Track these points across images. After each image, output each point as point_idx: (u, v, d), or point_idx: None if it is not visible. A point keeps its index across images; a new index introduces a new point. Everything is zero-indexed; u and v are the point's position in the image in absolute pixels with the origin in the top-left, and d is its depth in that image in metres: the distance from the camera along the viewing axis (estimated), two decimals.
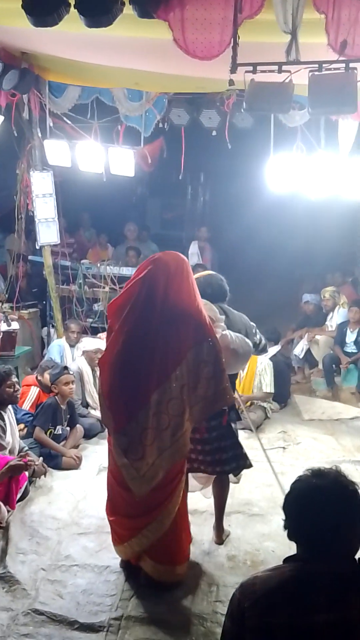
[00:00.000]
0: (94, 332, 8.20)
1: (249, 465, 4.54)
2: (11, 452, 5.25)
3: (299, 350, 8.68)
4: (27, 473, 5.13)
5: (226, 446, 4.38)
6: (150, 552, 4.02)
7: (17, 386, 5.36)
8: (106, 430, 4.40)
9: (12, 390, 5.26)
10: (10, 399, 5.30)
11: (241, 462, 4.48)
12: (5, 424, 5.25)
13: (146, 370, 3.79)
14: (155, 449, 3.77)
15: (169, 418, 3.77)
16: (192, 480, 4.57)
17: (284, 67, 4.20)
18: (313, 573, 2.03)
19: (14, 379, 5.31)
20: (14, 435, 5.38)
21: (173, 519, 3.96)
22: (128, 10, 3.86)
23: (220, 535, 4.65)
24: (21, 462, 4.79)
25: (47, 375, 6.28)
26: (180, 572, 4.11)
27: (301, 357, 8.71)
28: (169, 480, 3.89)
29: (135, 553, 4.09)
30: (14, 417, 5.51)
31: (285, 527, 2.14)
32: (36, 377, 6.58)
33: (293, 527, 2.13)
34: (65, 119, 7.56)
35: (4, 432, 5.19)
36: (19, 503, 5.02)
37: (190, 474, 4.41)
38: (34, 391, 6.42)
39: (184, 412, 3.80)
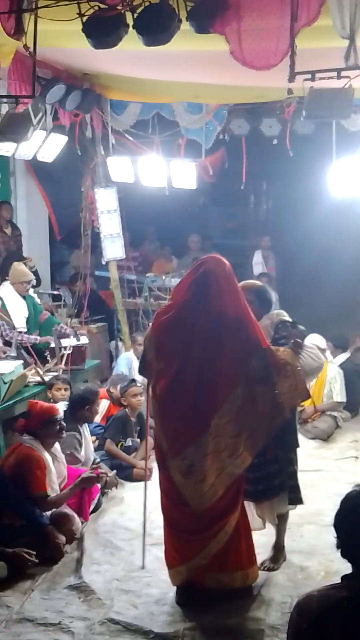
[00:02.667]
0: None
1: (299, 501, 4.36)
2: (85, 464, 5.37)
3: None
4: (99, 485, 5.22)
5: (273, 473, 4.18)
6: (212, 564, 3.85)
7: (98, 408, 5.51)
8: (152, 449, 4.28)
9: (97, 410, 5.45)
10: (92, 417, 5.47)
11: (291, 495, 4.28)
12: (82, 439, 5.36)
13: (205, 393, 3.66)
14: (214, 470, 3.67)
15: (226, 440, 3.66)
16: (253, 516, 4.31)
17: (343, 73, 4.17)
18: None
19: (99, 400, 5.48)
20: (88, 449, 5.51)
21: (237, 533, 3.84)
22: (185, 26, 3.92)
23: (276, 560, 4.40)
24: (93, 474, 4.89)
25: (117, 388, 6.38)
26: (246, 577, 3.96)
27: None
28: (228, 497, 3.79)
29: (193, 573, 3.89)
30: (89, 433, 5.63)
31: (338, 546, 2.11)
32: (107, 390, 6.68)
33: (345, 545, 2.09)
34: (127, 135, 7.70)
35: (80, 446, 5.30)
36: (92, 514, 5.10)
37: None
38: (104, 404, 6.52)
39: (240, 433, 3.68)
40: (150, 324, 4.06)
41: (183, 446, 3.66)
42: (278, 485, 4.20)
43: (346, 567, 2.23)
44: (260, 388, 3.71)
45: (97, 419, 6.43)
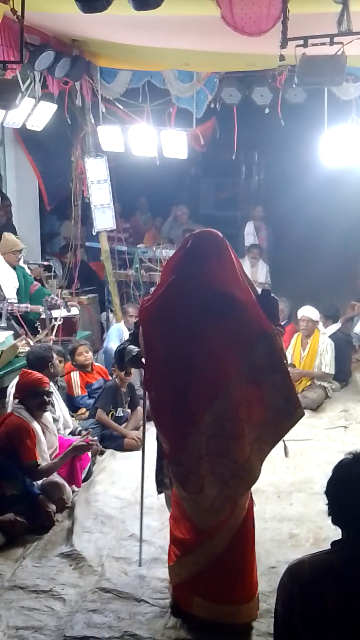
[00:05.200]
0: None
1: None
2: (65, 426, 5.47)
3: (359, 328, 8.53)
4: (90, 454, 5.27)
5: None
6: (204, 588, 3.43)
7: (56, 367, 5.46)
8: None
9: (52, 371, 5.36)
10: (50, 377, 5.31)
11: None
12: (53, 399, 5.34)
13: (197, 385, 3.21)
14: (216, 479, 3.21)
15: (227, 442, 3.20)
16: None
17: (336, 39, 4.12)
18: (357, 558, 2.04)
19: (54, 360, 5.41)
20: (62, 408, 5.57)
21: (240, 544, 3.42)
22: None
23: None
24: (84, 443, 4.91)
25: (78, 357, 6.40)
26: (245, 613, 3.49)
27: None
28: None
29: (191, 576, 3.47)
30: (60, 399, 5.65)
31: (329, 513, 2.13)
32: (71, 363, 6.60)
33: (336, 512, 2.12)
34: (117, 104, 7.59)
35: (53, 406, 5.29)
36: (84, 484, 5.15)
37: None
38: (75, 375, 6.49)
39: (242, 436, 3.21)
40: (139, 326, 3.61)
41: (179, 447, 3.26)
42: None
43: (335, 534, 2.26)
44: (269, 377, 3.26)
45: (78, 391, 6.43)
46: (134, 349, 3.75)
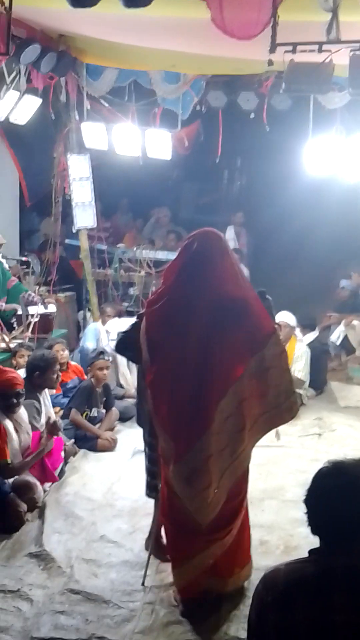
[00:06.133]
0: (130, 316, 8.22)
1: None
2: None
3: (336, 337, 8.58)
4: (62, 454, 5.21)
5: None
6: (218, 569, 3.59)
7: (59, 373, 5.43)
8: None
9: (54, 376, 5.35)
10: (51, 384, 5.40)
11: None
12: (40, 407, 5.31)
13: (206, 386, 3.25)
14: (217, 472, 3.30)
15: (228, 436, 3.29)
16: None
17: (325, 47, 4.13)
18: (335, 568, 2.02)
19: (57, 367, 5.39)
20: (49, 416, 5.43)
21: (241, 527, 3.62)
22: None
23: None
24: (54, 423, 4.89)
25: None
26: (238, 579, 3.72)
27: (338, 343, 8.60)
28: (236, 494, 3.53)
29: (198, 572, 3.56)
30: (50, 400, 5.58)
31: (308, 523, 2.11)
32: None
33: (314, 522, 2.10)
34: (102, 101, 7.55)
35: (39, 414, 5.24)
36: (55, 484, 5.08)
37: None
38: None
39: (243, 428, 3.31)
40: (142, 317, 3.57)
41: (186, 447, 3.27)
42: None
43: (305, 542, 2.25)
44: (274, 375, 3.36)
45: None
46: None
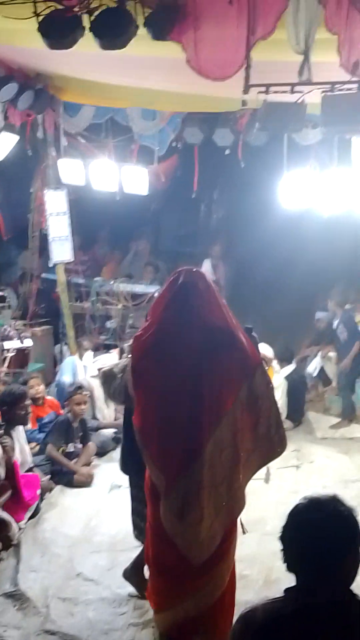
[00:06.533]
0: (107, 349, 8.21)
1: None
2: (22, 467, 5.26)
3: (312, 368, 8.63)
4: (38, 492, 5.16)
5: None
6: (198, 626, 3.42)
7: (29, 409, 5.37)
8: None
9: (23, 412, 5.27)
10: (20, 420, 5.30)
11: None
12: (13, 443, 5.24)
13: (197, 416, 3.23)
14: (212, 508, 3.25)
15: (224, 471, 3.25)
16: None
17: (296, 88, 4.24)
18: (311, 606, 1.99)
19: (27, 402, 5.33)
20: (23, 453, 5.39)
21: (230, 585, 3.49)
22: (142, 31, 3.90)
23: None
24: None
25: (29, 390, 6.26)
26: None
27: (315, 375, 8.65)
28: (225, 538, 3.41)
29: (177, 623, 3.46)
30: (25, 437, 5.52)
31: (284, 559, 2.10)
32: None
33: (290, 558, 2.08)
34: (79, 138, 7.63)
35: (12, 451, 5.18)
36: (31, 520, 5.02)
37: None
38: None
39: (238, 462, 3.30)
40: (129, 354, 3.58)
41: (176, 476, 3.23)
42: None
43: (285, 576, 2.22)
44: (264, 406, 3.39)
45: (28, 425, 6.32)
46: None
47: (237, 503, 3.36)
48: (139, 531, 4.04)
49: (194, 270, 3.54)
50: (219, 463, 3.23)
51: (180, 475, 3.22)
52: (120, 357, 4.02)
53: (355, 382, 7.93)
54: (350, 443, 7.23)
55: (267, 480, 4.61)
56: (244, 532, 3.93)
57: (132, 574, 4.03)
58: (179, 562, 3.31)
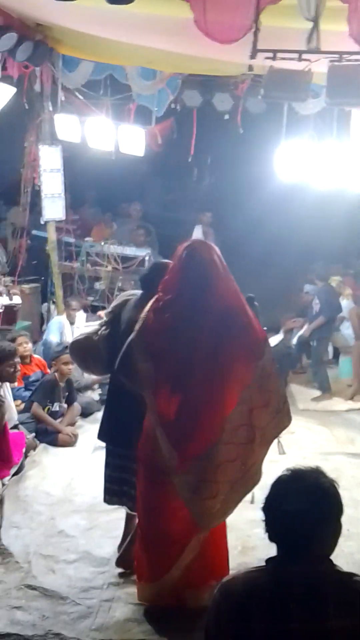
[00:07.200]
0: (94, 310, 8.18)
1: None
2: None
3: (295, 339, 8.67)
4: (23, 450, 5.18)
5: None
6: (192, 579, 3.51)
7: (17, 366, 5.36)
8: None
9: (12, 369, 5.27)
10: (9, 377, 5.30)
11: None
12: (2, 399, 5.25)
13: (216, 395, 3.27)
14: (226, 483, 3.29)
15: (237, 448, 3.28)
16: None
17: (304, 56, 4.16)
18: (292, 576, 2.01)
19: (16, 359, 5.32)
20: (9, 410, 5.39)
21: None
22: None
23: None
24: None
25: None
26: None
27: (294, 344, 8.68)
28: None
29: (171, 586, 3.53)
30: (11, 393, 5.52)
31: (265, 529, 2.12)
32: None
33: (272, 529, 2.10)
34: (77, 93, 7.49)
35: (7, 408, 5.20)
36: (14, 477, 5.05)
37: None
38: None
39: (253, 440, 3.32)
40: (139, 328, 3.43)
41: (193, 458, 3.26)
42: None
43: (262, 543, 2.24)
44: (272, 381, 3.41)
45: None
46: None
47: (251, 478, 3.39)
48: (110, 496, 4.01)
49: (205, 245, 3.52)
50: (234, 441, 3.26)
51: (196, 456, 3.24)
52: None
53: (321, 356, 8.08)
54: (331, 415, 7.31)
55: (281, 451, 4.64)
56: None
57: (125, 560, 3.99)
58: (169, 534, 3.42)
